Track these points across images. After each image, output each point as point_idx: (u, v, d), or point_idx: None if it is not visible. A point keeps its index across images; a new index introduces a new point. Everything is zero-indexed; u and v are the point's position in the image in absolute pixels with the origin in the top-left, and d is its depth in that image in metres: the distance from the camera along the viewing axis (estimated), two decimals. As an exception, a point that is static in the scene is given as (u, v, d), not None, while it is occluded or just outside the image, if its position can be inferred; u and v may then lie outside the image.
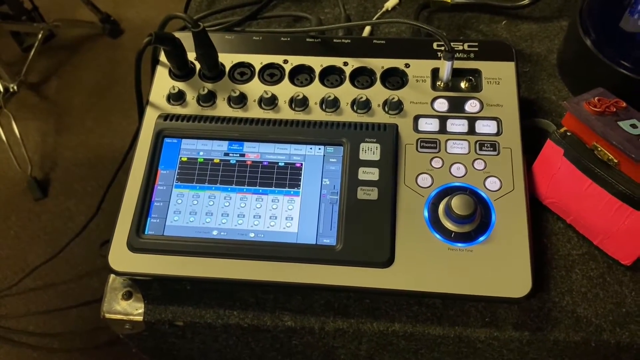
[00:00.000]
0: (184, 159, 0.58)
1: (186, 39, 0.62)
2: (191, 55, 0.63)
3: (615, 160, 0.51)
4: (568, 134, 0.54)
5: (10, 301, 1.58)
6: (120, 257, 0.54)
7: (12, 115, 1.75)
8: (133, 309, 0.55)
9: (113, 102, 1.93)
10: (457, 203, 0.52)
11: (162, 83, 0.63)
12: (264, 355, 0.61)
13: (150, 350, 0.62)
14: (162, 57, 0.64)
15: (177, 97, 0.61)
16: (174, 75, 0.63)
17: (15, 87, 1.83)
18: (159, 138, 0.59)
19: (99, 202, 1.18)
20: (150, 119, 0.60)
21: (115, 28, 2.07)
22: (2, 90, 1.78)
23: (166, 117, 0.60)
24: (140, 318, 0.54)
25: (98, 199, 1.71)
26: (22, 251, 1.66)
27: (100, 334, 1.51)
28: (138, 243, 0.54)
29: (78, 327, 1.53)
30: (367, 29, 0.72)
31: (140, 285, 0.56)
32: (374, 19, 0.74)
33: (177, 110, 0.61)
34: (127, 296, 0.55)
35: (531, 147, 0.58)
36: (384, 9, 0.75)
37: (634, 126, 0.52)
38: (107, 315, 0.55)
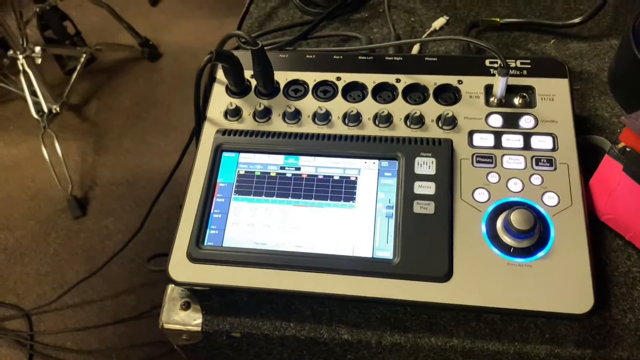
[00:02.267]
0: (242, 172, 0.59)
1: (242, 56, 0.63)
2: (247, 73, 0.65)
3: (678, 176, 0.51)
4: (627, 149, 0.54)
5: (49, 317, 1.60)
6: (180, 268, 0.55)
7: (55, 135, 1.80)
8: (191, 320, 0.55)
9: (150, 123, 1.98)
10: (516, 218, 0.52)
11: (219, 99, 0.64)
12: (316, 369, 0.61)
13: (203, 362, 0.63)
14: (219, 75, 0.66)
15: (234, 113, 0.63)
16: (230, 92, 0.65)
17: (57, 109, 1.88)
18: (217, 152, 0.60)
19: (143, 219, 1.21)
20: (208, 134, 0.62)
21: (154, 52, 2.12)
22: (45, 111, 1.83)
23: (224, 132, 0.61)
24: (198, 328, 0.55)
25: (135, 217, 1.76)
26: (61, 268, 1.69)
27: (136, 350, 1.53)
28: (198, 254, 0.55)
29: (114, 344, 1.54)
30: (416, 48, 0.73)
31: (198, 296, 0.57)
32: (423, 37, 0.75)
33: (234, 125, 0.63)
34: (186, 306, 0.56)
35: (586, 164, 0.58)
36: (431, 29, 0.76)
37: (694, 142, 0.52)
38: (166, 326, 0.56)
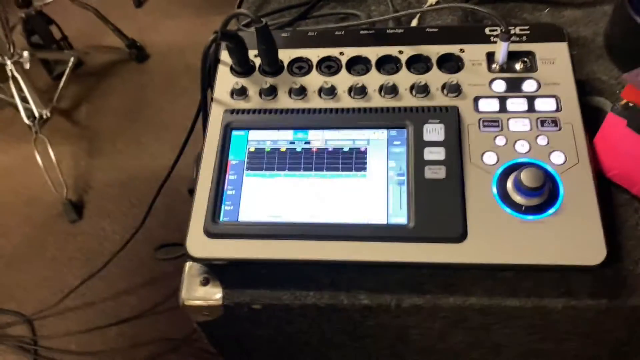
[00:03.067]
0: (252, 149, 0.60)
1: (246, 36, 0.64)
2: (251, 53, 0.65)
3: (681, 127, 0.52)
4: (630, 104, 0.55)
5: (51, 322, 1.59)
6: (198, 244, 0.55)
7: (48, 140, 1.79)
8: (212, 295, 0.56)
9: (142, 124, 1.97)
10: (526, 176, 0.53)
11: (225, 80, 0.65)
12: (333, 339, 0.62)
13: (221, 339, 0.63)
14: (223, 56, 0.67)
15: (240, 92, 0.63)
16: (235, 72, 0.65)
17: (48, 114, 1.87)
18: (227, 131, 0.61)
19: (144, 215, 1.21)
20: (216, 114, 0.62)
21: (142, 53, 2.11)
22: (36, 116, 1.82)
23: (232, 111, 0.62)
24: (219, 302, 0.55)
25: (132, 218, 1.76)
26: (60, 272, 1.68)
27: (140, 349, 1.52)
28: (215, 229, 0.55)
29: (118, 344, 1.54)
30: (415, 22, 0.74)
31: (216, 271, 0.57)
32: (420, 10, 0.76)
33: (241, 104, 0.63)
34: (205, 282, 0.56)
35: (587, 125, 0.59)
36: (428, 4, 0.77)
37: (695, 94, 0.53)
38: (187, 302, 0.56)
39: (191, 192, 0.59)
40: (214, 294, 0.56)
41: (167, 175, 0.93)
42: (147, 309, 1.56)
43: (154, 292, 1.60)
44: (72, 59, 1.96)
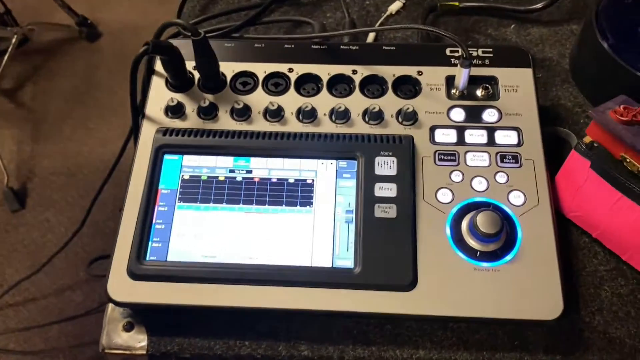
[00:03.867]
0: (186, 176, 0.54)
1: (184, 46, 0.57)
2: (189, 64, 0.59)
3: (646, 172, 0.49)
4: (595, 144, 0.52)
5: (-12, 319, 1.51)
6: (120, 286, 0.49)
7: (-14, 123, 1.68)
8: (135, 342, 0.50)
9: (91, 108, 1.87)
10: (482, 220, 0.49)
11: (159, 95, 0.59)
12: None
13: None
14: (158, 66, 0.60)
15: (175, 110, 0.57)
16: (171, 86, 0.59)
17: (-12, 94, 1.75)
18: (158, 154, 0.54)
19: (85, 215, 1.14)
20: (147, 133, 0.56)
21: (92, 31, 2.00)
22: (-25, 97, 1.70)
23: (165, 131, 0.55)
24: (143, 352, 0.50)
25: (78, 208, 1.67)
26: (0, 265, 1.59)
27: (84, 349, 1.46)
28: (139, 270, 0.50)
29: (61, 343, 1.46)
30: (372, 35, 0.69)
31: (142, 315, 0.52)
32: (378, 23, 0.71)
33: (177, 124, 0.57)
34: (129, 327, 0.51)
35: (550, 156, 0.55)
36: (387, 13, 0.71)
37: (663, 135, 0.50)
38: (107, 350, 0.50)
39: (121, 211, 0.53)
40: (138, 342, 0.50)
41: (111, 170, 0.86)
42: (93, 307, 1.49)
43: (99, 289, 1.53)
44: (15, 36, 1.83)
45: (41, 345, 1.47)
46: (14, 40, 1.83)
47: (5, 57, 1.81)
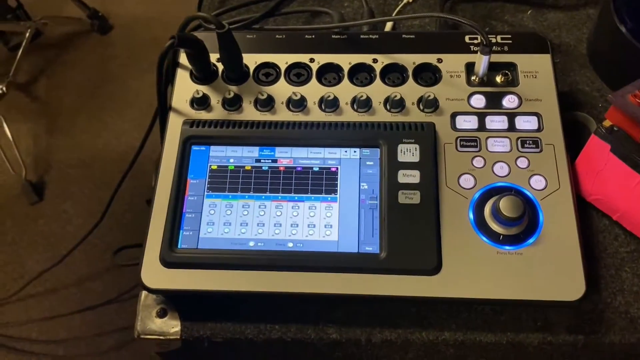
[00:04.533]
0: (214, 167, 0.55)
1: (207, 39, 0.59)
2: (213, 57, 0.60)
3: (666, 155, 0.50)
4: (615, 128, 0.53)
5: (11, 309, 1.54)
6: (154, 274, 0.51)
7: (3, 117, 1.70)
8: (169, 327, 0.52)
9: (105, 100, 1.88)
10: (505, 205, 0.50)
11: (184, 87, 0.60)
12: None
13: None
14: (182, 59, 0.61)
15: (201, 102, 0.58)
16: (196, 79, 0.60)
17: (4, 89, 1.77)
18: (186, 146, 0.56)
19: (105, 208, 1.15)
20: (174, 125, 0.57)
21: (104, 24, 2.01)
22: (-9, 92, 1.72)
23: (192, 123, 0.57)
24: (177, 336, 0.52)
25: (96, 199, 1.69)
26: (20, 257, 1.62)
27: (105, 339, 1.48)
28: (171, 257, 0.51)
29: (82, 332, 1.49)
30: (389, 24, 0.69)
31: (174, 301, 0.53)
32: (396, 11, 0.71)
33: (202, 115, 0.58)
34: (162, 314, 0.53)
35: (570, 141, 0.56)
36: (405, 1, 0.72)
37: (682, 119, 0.50)
38: (142, 336, 0.52)
39: (149, 202, 0.55)
40: (172, 327, 0.52)
41: (132, 162, 0.87)
42: (113, 296, 1.52)
43: (119, 278, 1.56)
44: (29, 30, 1.85)
45: (63, 335, 1.50)
46: (27, 34, 1.84)
47: (19, 52, 1.82)
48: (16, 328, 1.51)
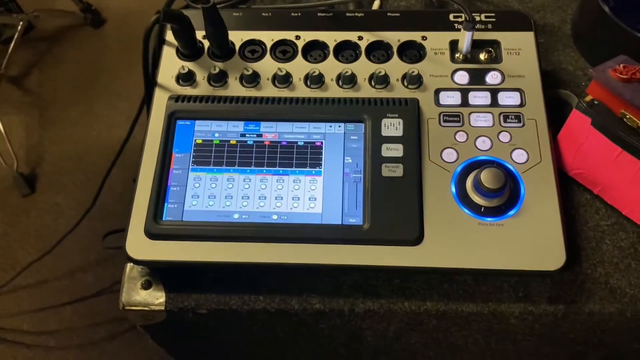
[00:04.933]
0: (199, 141, 0.56)
1: (194, 16, 0.59)
2: (199, 34, 0.60)
3: (646, 128, 0.50)
4: (595, 102, 0.53)
5: (2, 300, 1.53)
6: (138, 245, 0.51)
7: (-5, 109, 1.70)
8: (154, 299, 0.53)
9: (98, 93, 1.88)
10: (486, 176, 0.50)
11: (170, 63, 0.60)
12: (287, 341, 0.59)
13: (168, 340, 0.60)
14: (168, 37, 0.62)
15: (186, 78, 0.59)
16: (182, 55, 0.61)
17: (-5, 81, 1.77)
18: (171, 120, 0.56)
19: (95, 195, 1.16)
20: (160, 101, 0.58)
21: (97, 18, 2.01)
22: (-18, 84, 1.72)
23: (177, 98, 0.57)
24: (162, 307, 0.52)
25: (87, 192, 1.69)
26: (11, 249, 1.61)
27: (97, 330, 1.48)
28: (156, 229, 0.52)
29: (74, 323, 1.49)
30: (377, 3, 0.70)
31: (159, 273, 0.54)
32: (383, -7, 0.72)
33: (188, 91, 0.58)
34: (147, 285, 0.53)
35: (552, 118, 0.56)
36: (392, -17, 0.72)
37: (661, 92, 0.51)
38: (127, 307, 0.52)
39: (135, 180, 0.55)
40: (156, 298, 0.52)
41: (120, 150, 0.88)
42: (104, 287, 1.52)
43: (111, 269, 1.56)
44: (21, 23, 1.85)
45: (55, 326, 1.50)
46: (19, 27, 1.84)
47: (12, 45, 1.82)
48: (7, 319, 1.51)
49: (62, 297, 1.52)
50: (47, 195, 1.70)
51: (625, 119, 0.51)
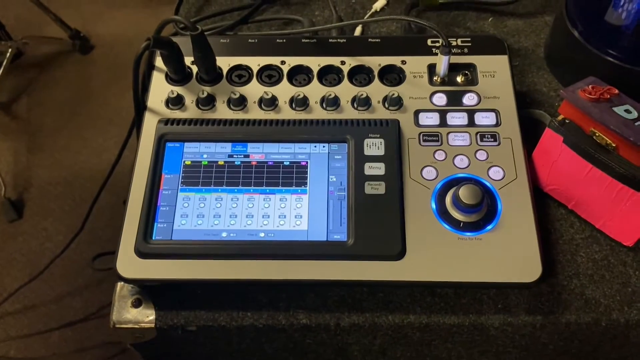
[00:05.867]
0: (188, 162, 0.57)
1: (182, 43, 0.61)
2: (187, 60, 0.63)
3: (614, 145, 0.53)
4: (566, 121, 0.56)
5: (-11, 327, 1.52)
6: (129, 264, 0.53)
7: (-17, 135, 1.70)
8: (144, 317, 0.54)
9: (86, 119, 1.90)
10: (464, 193, 0.52)
11: (160, 88, 0.62)
12: (276, 357, 0.60)
13: (158, 358, 0.61)
14: (158, 62, 0.64)
15: (176, 102, 0.61)
16: (171, 80, 0.63)
17: (-16, 107, 1.78)
18: (160, 143, 0.58)
19: (84, 218, 1.16)
20: (150, 124, 0.59)
21: (85, 44, 2.03)
22: (-29, 110, 1.73)
23: (167, 121, 0.59)
24: (151, 325, 0.53)
25: (76, 217, 1.69)
26: (-1, 275, 1.61)
27: (84, 355, 1.47)
28: (146, 248, 0.53)
29: (61, 349, 1.48)
30: (359, 30, 0.73)
31: (149, 291, 0.55)
32: (364, 19, 0.75)
33: (177, 114, 0.61)
34: (137, 303, 0.54)
35: (527, 137, 0.59)
36: (372, 10, 0.76)
37: (627, 111, 0.54)
38: (118, 325, 0.54)
39: (125, 203, 0.56)
40: (147, 316, 0.54)
41: (109, 174, 0.89)
42: (93, 312, 1.51)
43: (99, 294, 1.55)
44: (10, 50, 1.87)
45: (42, 352, 1.49)
46: (8, 54, 1.86)
47: (0, 71, 1.84)
48: (-7, 346, 1.50)
49: (50, 323, 1.51)
50: (34, 221, 1.70)
51: (594, 137, 0.54)
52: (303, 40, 0.65)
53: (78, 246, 1.49)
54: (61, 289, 1.56)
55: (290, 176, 0.57)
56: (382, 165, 0.56)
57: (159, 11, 2.10)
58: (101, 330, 1.49)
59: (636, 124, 0.53)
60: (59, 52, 2.04)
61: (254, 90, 0.62)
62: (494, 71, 0.62)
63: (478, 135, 0.58)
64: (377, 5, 0.76)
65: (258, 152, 0.58)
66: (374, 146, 0.57)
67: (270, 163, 0.57)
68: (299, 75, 0.63)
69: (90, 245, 1.59)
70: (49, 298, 1.55)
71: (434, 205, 0.55)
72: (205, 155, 0.58)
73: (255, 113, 0.61)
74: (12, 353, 1.49)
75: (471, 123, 0.59)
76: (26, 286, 1.51)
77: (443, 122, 0.59)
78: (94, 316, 1.50)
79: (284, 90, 0.62)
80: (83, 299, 1.55)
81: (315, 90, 0.62)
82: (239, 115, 0.61)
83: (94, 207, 1.11)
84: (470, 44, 0.64)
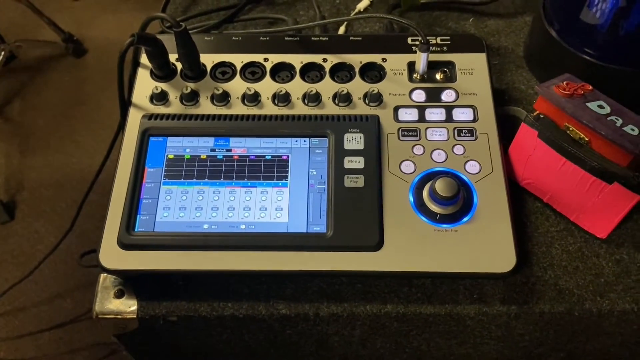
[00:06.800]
0: (171, 156, 0.58)
1: (167, 40, 0.63)
2: (172, 57, 0.64)
3: (586, 139, 0.54)
4: (541, 116, 0.57)
5: (-21, 328, 1.53)
6: (111, 255, 0.54)
7: (-25, 137, 1.71)
8: (126, 307, 0.55)
9: (79, 121, 1.91)
10: (441, 185, 0.54)
11: (144, 84, 0.63)
12: (257, 349, 0.61)
13: (141, 351, 0.62)
14: (143, 59, 0.65)
15: (160, 97, 0.62)
16: (155, 76, 0.64)
17: (-23, 110, 1.79)
18: (144, 137, 0.59)
19: (74, 216, 1.17)
20: (134, 119, 0.61)
21: (79, 47, 2.05)
22: (-37, 112, 1.73)
23: (151, 116, 0.60)
24: (133, 315, 0.54)
25: (67, 219, 1.69)
26: (-11, 276, 1.61)
27: (75, 356, 1.48)
28: (128, 240, 0.54)
29: (52, 350, 1.48)
30: (342, 29, 0.74)
31: (131, 282, 0.56)
32: (347, 19, 0.76)
33: (161, 110, 0.62)
34: (119, 294, 0.55)
35: (504, 133, 0.60)
36: (356, 10, 0.77)
37: (600, 107, 0.55)
38: (100, 316, 0.54)
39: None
40: (129, 307, 0.55)
41: (97, 173, 0.90)
42: (83, 312, 1.52)
43: (89, 295, 1.54)
44: (2, 53, 1.88)
45: (32, 353, 1.49)
46: (1, 57, 1.87)
47: (-7, 74, 1.85)
48: (-16, 347, 1.50)
49: (40, 324, 1.52)
50: (26, 223, 1.70)
51: (568, 131, 0.56)
52: (286, 38, 0.67)
53: (69, 247, 1.50)
54: (52, 290, 1.57)
55: (272, 170, 0.58)
56: (361, 159, 0.57)
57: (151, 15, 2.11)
58: (92, 331, 1.49)
59: (608, 118, 0.54)
60: (52, 56, 2.05)
61: (237, 86, 0.63)
62: (472, 69, 0.64)
63: (455, 131, 0.59)
64: (360, 6, 0.77)
65: (240, 146, 0.59)
66: (354, 140, 0.58)
67: (252, 157, 0.58)
68: (281, 72, 0.65)
69: (80, 246, 1.60)
70: (40, 299, 1.56)
71: (411, 198, 0.56)
72: (188, 150, 0.59)
73: (238, 108, 0.62)
74: (2, 354, 1.48)
75: (449, 119, 0.60)
76: (16, 287, 1.51)
77: (422, 118, 0.60)
78: (84, 317, 1.51)
79: (267, 87, 0.63)
80: (73, 300, 1.55)
81: (297, 87, 0.63)
82: (222, 110, 0.62)
83: (83, 207, 1.12)
84: (449, 43, 0.65)
